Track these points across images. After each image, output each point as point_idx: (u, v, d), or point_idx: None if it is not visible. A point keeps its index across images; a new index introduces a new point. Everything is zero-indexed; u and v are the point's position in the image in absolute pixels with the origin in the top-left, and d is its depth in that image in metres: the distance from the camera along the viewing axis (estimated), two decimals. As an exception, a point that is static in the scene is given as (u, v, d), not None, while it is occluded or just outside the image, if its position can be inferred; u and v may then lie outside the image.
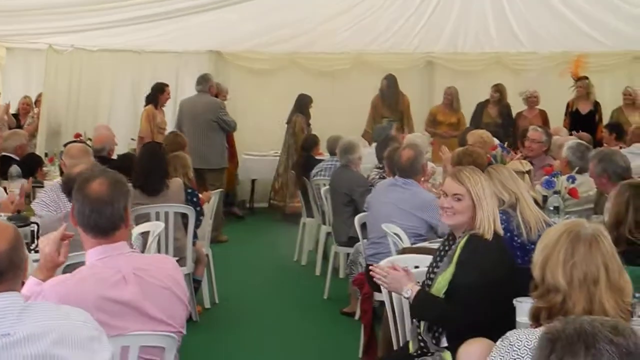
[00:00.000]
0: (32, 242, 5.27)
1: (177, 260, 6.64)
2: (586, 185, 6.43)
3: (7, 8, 9.44)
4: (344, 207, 7.98)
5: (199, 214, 7.37)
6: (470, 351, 3.56)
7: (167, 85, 11.54)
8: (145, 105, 11.31)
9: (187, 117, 10.86)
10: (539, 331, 2.45)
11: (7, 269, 2.56)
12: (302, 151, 10.90)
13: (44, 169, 8.68)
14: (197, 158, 9.30)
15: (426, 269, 4.33)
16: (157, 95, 11.33)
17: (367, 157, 9.14)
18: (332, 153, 9.38)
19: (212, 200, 8.06)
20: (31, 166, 8.05)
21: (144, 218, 6.66)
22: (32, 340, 2.48)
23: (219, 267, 8.23)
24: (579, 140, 7.16)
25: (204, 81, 11.04)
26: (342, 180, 8.09)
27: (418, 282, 4.13)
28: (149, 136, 10.72)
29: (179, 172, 7.41)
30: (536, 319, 2.67)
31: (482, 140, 8.01)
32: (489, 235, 3.96)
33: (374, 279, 4.14)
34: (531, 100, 11.82)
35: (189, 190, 7.34)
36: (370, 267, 4.20)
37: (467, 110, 12.20)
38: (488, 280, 3.85)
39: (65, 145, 8.02)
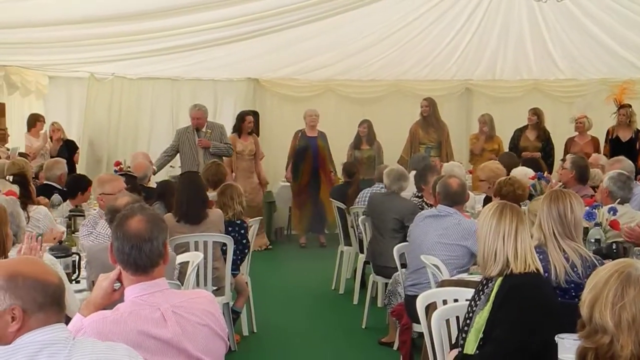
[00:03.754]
0: (74, 272, 5.32)
1: (216, 290, 6.75)
2: (628, 216, 6.33)
3: (50, 39, 9.59)
4: (394, 233, 7.80)
5: (245, 247, 7.41)
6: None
7: (247, 114, 11.92)
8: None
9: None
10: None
11: (60, 300, 2.64)
12: (346, 177, 10.97)
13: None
14: None
15: (465, 302, 4.30)
16: (240, 124, 11.77)
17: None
18: (378, 180, 9.32)
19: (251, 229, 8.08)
20: (78, 186, 7.88)
21: (183, 247, 6.69)
22: None
23: (258, 295, 8.24)
24: (620, 170, 7.04)
25: None
26: (392, 206, 7.91)
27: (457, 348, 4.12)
28: (228, 163, 11.23)
29: (235, 201, 7.44)
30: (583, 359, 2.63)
31: (494, 175, 7.92)
32: (522, 271, 3.95)
33: None
34: (577, 125, 11.68)
35: (238, 222, 7.37)
36: None
37: (507, 137, 12.11)
38: (524, 317, 3.81)
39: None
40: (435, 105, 12.32)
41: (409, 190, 8.84)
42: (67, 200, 7.65)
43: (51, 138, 11.98)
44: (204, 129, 11.02)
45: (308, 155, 12.20)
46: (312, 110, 12.29)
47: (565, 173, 7.92)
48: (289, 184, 12.55)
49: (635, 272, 2.61)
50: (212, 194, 7.76)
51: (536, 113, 11.94)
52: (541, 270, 4.07)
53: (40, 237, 4.84)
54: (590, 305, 2.61)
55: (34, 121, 11.79)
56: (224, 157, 11.12)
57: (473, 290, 4.31)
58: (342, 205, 9.70)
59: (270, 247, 12.20)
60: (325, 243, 12.18)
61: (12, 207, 5.22)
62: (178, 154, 11.18)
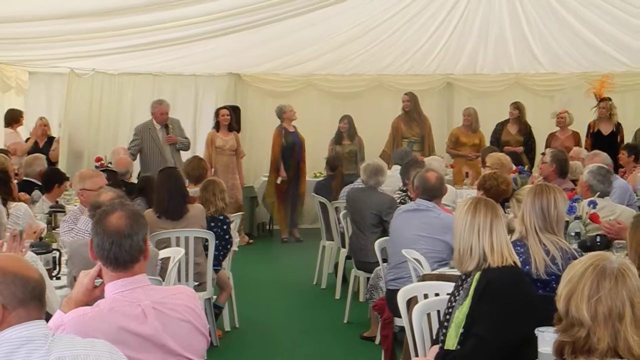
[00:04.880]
0: (54, 268, 5.30)
1: (198, 285, 6.75)
2: (607, 209, 6.37)
3: (30, 34, 9.53)
4: (373, 228, 7.88)
5: (228, 242, 7.40)
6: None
7: (222, 108, 11.92)
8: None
9: None
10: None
11: (41, 296, 2.62)
12: (329, 171, 10.99)
13: (65, 192, 8.60)
14: None
15: (446, 296, 4.32)
16: (216, 119, 11.78)
17: (388, 179, 9.09)
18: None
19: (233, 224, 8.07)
20: (54, 179, 7.88)
21: (164, 243, 6.67)
22: None
23: (240, 290, 8.23)
24: (600, 164, 7.09)
25: None
26: (370, 201, 7.97)
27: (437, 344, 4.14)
28: (207, 159, 11.13)
29: (217, 197, 7.43)
30: (560, 353, 2.63)
31: (500, 163, 8.00)
32: (499, 264, 3.98)
33: None
34: (559, 120, 11.75)
35: (221, 217, 7.36)
36: None
37: (488, 131, 12.16)
38: (504, 312, 3.83)
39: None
40: (417, 100, 12.38)
41: (394, 184, 8.87)
42: (44, 195, 7.61)
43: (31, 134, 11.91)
44: (168, 125, 11.03)
45: (295, 151, 12.19)
46: (289, 105, 12.27)
47: (545, 167, 7.97)
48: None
49: (610, 265, 2.62)
50: (193, 190, 7.74)
51: (517, 107, 11.99)
52: (518, 264, 4.10)
53: (22, 234, 4.82)
54: (566, 299, 2.62)
55: (17, 117, 11.70)
56: (204, 153, 11.14)
57: (454, 284, 4.33)
58: (325, 200, 9.69)
59: (252, 242, 12.19)
60: (301, 237, 12.21)
61: (-8, 204, 5.19)
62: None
